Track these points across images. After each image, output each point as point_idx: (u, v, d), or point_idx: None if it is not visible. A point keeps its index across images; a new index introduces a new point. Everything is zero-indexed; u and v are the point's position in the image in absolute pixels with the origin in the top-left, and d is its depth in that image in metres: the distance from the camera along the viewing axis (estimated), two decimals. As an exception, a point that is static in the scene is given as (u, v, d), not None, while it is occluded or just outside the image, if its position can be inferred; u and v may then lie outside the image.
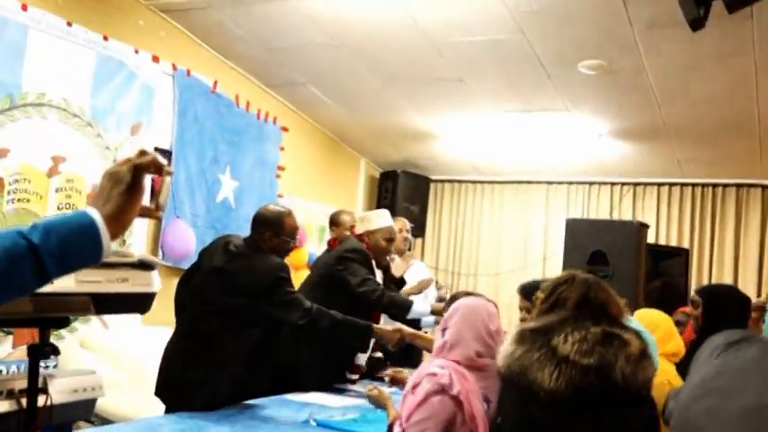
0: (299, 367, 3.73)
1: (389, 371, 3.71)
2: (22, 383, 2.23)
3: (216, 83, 5.31)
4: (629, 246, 4.53)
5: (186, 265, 4.94)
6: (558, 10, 4.09)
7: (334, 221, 5.13)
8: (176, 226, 5.01)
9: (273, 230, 3.35)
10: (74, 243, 1.07)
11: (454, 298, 2.78)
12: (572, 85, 5.08)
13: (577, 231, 4.71)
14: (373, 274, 3.90)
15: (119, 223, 1.13)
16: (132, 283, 1.66)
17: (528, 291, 3.33)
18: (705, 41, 4.03)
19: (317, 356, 3.75)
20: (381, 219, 4.09)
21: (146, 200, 1.26)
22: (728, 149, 5.99)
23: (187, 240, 5.07)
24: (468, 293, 2.83)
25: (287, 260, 6.26)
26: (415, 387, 2.49)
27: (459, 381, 2.39)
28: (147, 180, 1.22)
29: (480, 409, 2.40)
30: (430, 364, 2.54)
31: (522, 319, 3.48)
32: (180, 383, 3.25)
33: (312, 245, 6.58)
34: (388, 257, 4.22)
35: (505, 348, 2.04)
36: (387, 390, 3.00)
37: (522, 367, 1.94)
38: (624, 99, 5.22)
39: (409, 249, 5.44)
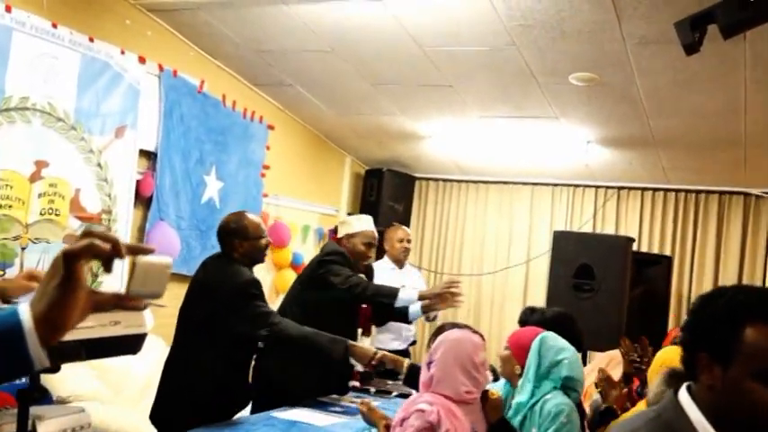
0: (288, 379, 3.72)
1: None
2: (10, 428, 2.20)
3: (203, 82, 5.23)
4: (615, 260, 4.56)
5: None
6: (552, 24, 4.06)
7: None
8: (160, 228, 4.94)
9: (239, 237, 3.37)
10: None
11: (440, 329, 2.77)
12: (562, 95, 5.07)
13: (564, 244, 4.73)
14: (356, 274, 3.86)
15: (54, 324, 0.92)
16: (125, 325, 1.57)
17: None
18: (697, 60, 4.00)
19: (311, 367, 3.74)
20: (361, 223, 4.06)
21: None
22: (713, 159, 6.03)
23: (171, 242, 5.01)
24: (454, 325, 2.83)
25: (272, 259, 6.28)
26: (403, 420, 2.49)
27: (448, 417, 2.40)
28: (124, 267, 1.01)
29: (469, 445, 2.41)
30: (419, 397, 2.54)
31: None
32: (162, 396, 3.29)
33: (296, 244, 6.54)
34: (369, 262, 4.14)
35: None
36: (375, 402, 3.00)
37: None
38: (614, 110, 5.22)
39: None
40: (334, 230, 5.25)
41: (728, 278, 6.57)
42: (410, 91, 5.47)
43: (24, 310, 0.91)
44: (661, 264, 6.21)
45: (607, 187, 7.16)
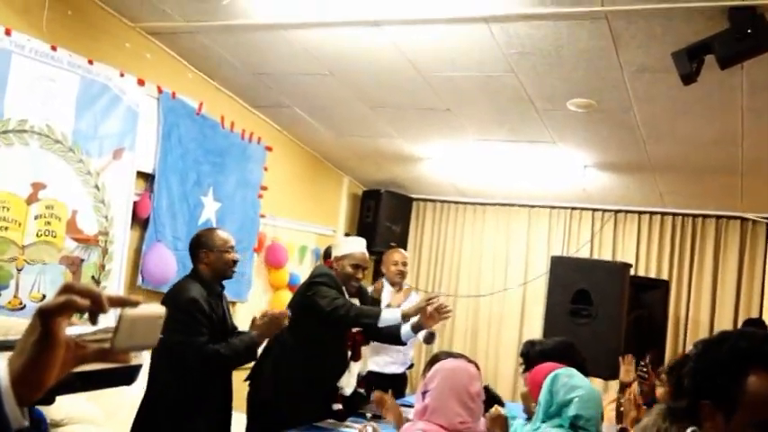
0: (277, 402, 3.69)
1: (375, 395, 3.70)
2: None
3: (201, 104, 5.24)
4: (612, 286, 4.55)
5: (166, 290, 4.91)
6: (550, 52, 4.08)
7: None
8: (157, 250, 4.93)
9: (205, 248, 3.40)
10: None
11: (435, 358, 2.74)
12: (560, 120, 5.09)
13: (561, 269, 4.72)
14: (343, 296, 3.83)
15: (31, 383, 0.88)
16: (120, 357, 1.50)
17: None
18: (695, 88, 4.02)
19: (297, 389, 3.71)
20: (351, 245, 4.01)
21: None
22: (710, 185, 6.04)
23: (167, 264, 4.99)
24: (449, 354, 2.79)
25: (269, 279, 6.24)
26: None
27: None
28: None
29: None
30: (413, 425, 2.53)
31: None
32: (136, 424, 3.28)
33: (293, 264, 6.52)
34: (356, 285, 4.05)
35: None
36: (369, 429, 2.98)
37: None
38: (611, 135, 5.24)
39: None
40: (325, 254, 5.21)
41: (725, 303, 6.56)
42: (408, 114, 5.48)
43: (1, 367, 0.87)
44: (658, 288, 6.20)
45: (604, 210, 7.15)
